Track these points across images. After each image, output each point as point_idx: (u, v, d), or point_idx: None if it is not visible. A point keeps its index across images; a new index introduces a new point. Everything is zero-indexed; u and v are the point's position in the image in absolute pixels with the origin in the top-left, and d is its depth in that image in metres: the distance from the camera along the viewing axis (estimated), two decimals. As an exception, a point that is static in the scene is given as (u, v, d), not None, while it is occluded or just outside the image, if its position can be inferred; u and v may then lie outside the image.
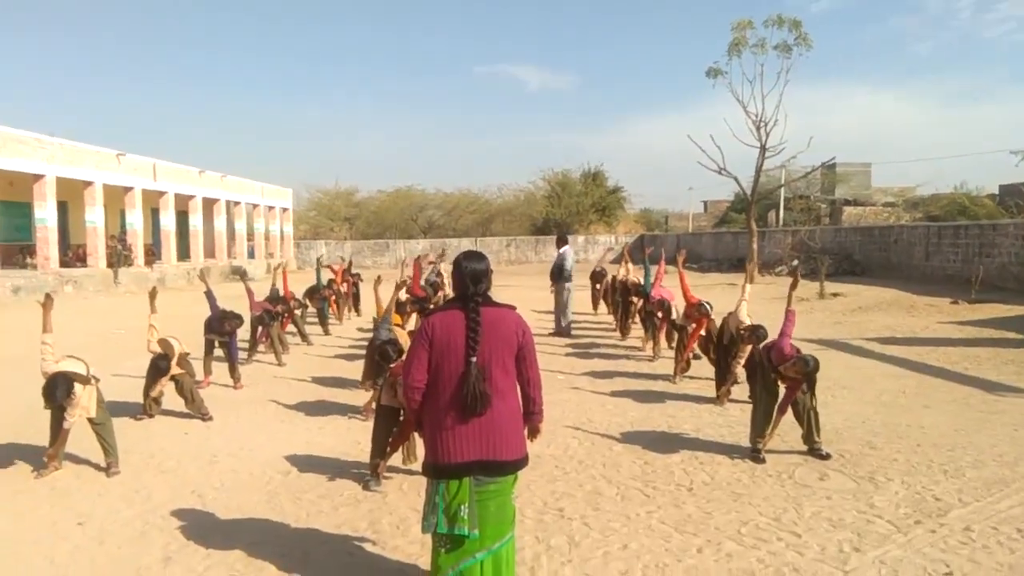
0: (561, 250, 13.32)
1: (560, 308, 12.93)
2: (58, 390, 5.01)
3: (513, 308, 3.30)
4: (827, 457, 5.54)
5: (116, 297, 21.24)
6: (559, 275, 13.02)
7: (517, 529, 3.60)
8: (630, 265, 13.00)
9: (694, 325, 8.33)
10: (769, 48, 23.11)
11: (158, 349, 6.75)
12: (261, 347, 10.30)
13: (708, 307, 8.22)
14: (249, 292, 10.04)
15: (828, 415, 6.61)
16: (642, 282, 11.52)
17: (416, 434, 5.10)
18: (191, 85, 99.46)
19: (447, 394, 3.09)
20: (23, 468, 5.54)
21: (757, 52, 23.27)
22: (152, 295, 7.17)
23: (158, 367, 6.71)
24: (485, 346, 3.09)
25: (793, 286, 6.29)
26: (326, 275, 14.47)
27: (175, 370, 6.81)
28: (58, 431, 5.33)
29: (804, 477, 5.17)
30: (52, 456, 5.39)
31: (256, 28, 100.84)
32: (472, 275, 3.19)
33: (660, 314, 9.62)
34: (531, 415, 3.33)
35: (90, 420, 5.43)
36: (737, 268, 28.05)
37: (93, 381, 5.49)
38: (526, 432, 3.33)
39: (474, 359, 3.06)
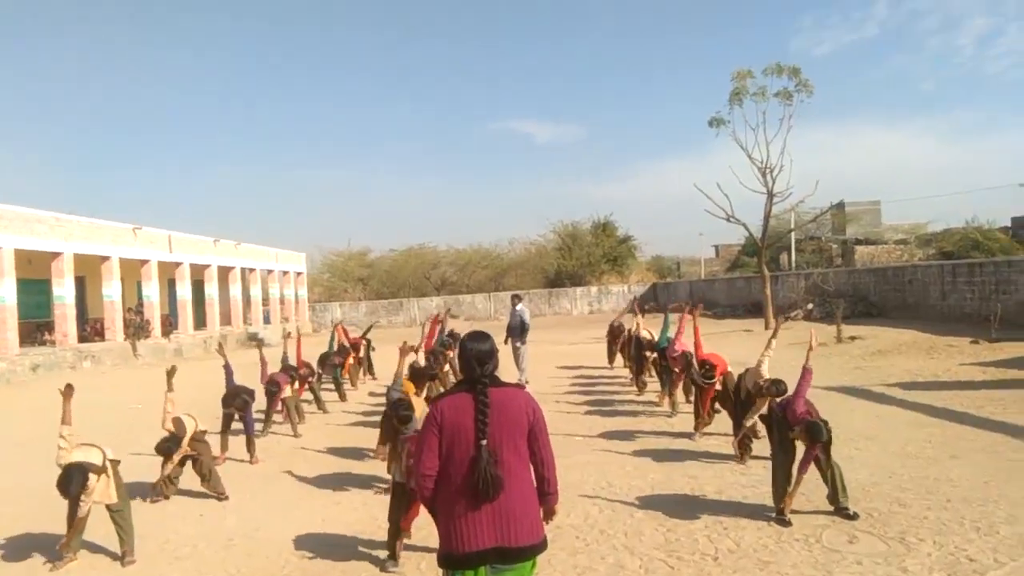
0: (517, 307, 13.78)
1: (519, 364, 13.50)
2: (72, 484, 4.98)
3: (522, 387, 3.28)
4: (855, 517, 5.39)
5: (135, 369, 21.35)
6: (520, 332, 13.47)
7: (538, 612, 3.50)
8: (640, 318, 12.97)
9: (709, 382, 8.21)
10: (770, 96, 23.38)
11: (171, 428, 6.74)
12: (278, 418, 10.27)
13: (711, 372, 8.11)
14: (263, 363, 10.04)
15: (853, 469, 6.47)
16: (655, 336, 11.48)
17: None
18: (204, 156, 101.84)
19: (459, 480, 3.04)
20: (38, 559, 5.49)
21: (758, 100, 23.54)
22: (170, 374, 7.10)
23: (168, 450, 6.69)
24: (495, 428, 3.06)
25: (811, 344, 6.23)
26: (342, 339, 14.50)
27: (184, 450, 6.79)
28: (74, 519, 5.30)
29: (832, 540, 5.03)
30: (66, 546, 5.34)
31: (264, 95, 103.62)
32: (478, 356, 3.17)
33: (678, 369, 9.52)
34: (546, 496, 3.26)
35: (108, 507, 5.39)
36: (752, 313, 27.92)
37: (111, 466, 5.47)
38: (542, 514, 3.27)
39: (484, 442, 3.02)
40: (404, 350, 7.01)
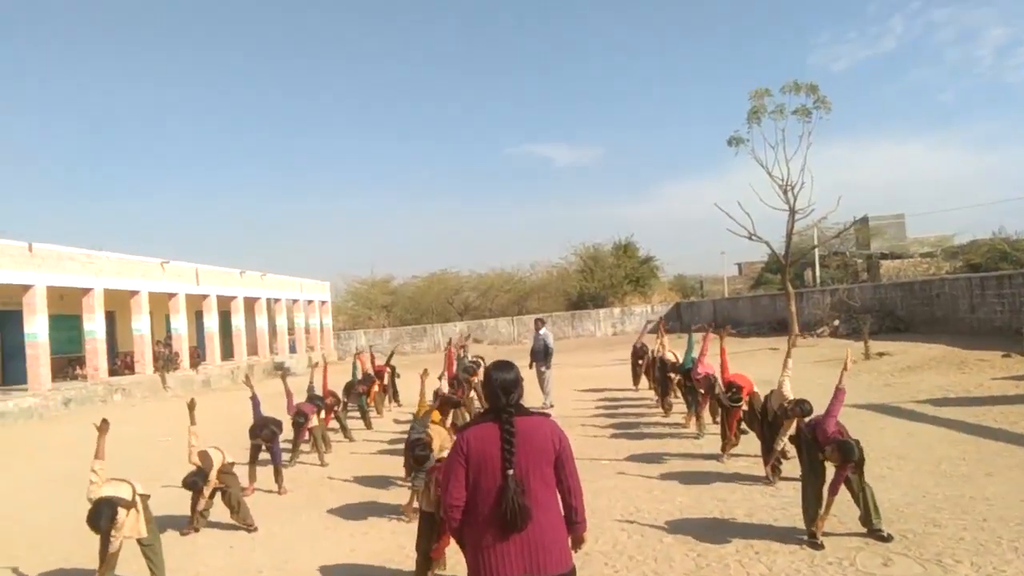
0: (541, 331, 13.92)
1: (544, 388, 13.70)
2: (102, 518, 5.05)
3: (548, 415, 3.29)
4: (889, 539, 5.30)
5: (164, 402, 21.59)
6: (544, 356, 13.59)
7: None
8: (665, 339, 12.92)
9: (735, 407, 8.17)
10: (788, 113, 23.36)
11: (197, 462, 6.81)
12: (305, 447, 10.33)
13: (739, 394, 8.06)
14: (288, 394, 10.11)
15: (887, 489, 6.39)
16: (680, 357, 11.43)
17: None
18: (228, 189, 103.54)
19: (486, 510, 3.05)
20: (73, 594, 5.56)
21: (776, 118, 23.54)
22: (191, 406, 7.19)
23: (194, 484, 6.75)
24: (521, 458, 3.07)
25: (846, 365, 6.18)
26: (365, 367, 14.59)
27: (213, 483, 6.85)
28: (105, 554, 5.36)
29: (867, 564, 4.94)
30: None
31: (285, 127, 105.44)
32: (503, 385, 3.19)
33: (703, 391, 9.46)
34: (574, 524, 3.26)
35: (139, 541, 5.45)
36: (777, 331, 27.64)
37: (140, 501, 5.54)
38: (570, 542, 3.26)
39: (511, 472, 3.03)
40: (424, 382, 7.16)
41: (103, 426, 5.49)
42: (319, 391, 11.21)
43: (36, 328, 19.78)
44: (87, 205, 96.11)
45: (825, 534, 5.42)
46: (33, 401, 18.65)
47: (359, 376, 13.70)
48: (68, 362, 23.64)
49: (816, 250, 35.18)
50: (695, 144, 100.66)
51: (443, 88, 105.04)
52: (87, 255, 22.16)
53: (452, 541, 4.86)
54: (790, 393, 6.97)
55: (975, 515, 5.73)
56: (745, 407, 8.07)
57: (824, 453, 5.44)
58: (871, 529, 5.43)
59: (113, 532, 5.21)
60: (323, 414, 10.79)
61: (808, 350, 20.05)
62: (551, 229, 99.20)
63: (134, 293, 24.29)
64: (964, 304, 20.67)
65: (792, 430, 6.65)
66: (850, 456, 5.23)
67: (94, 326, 22.11)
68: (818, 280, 37.89)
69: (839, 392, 5.76)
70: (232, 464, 7.20)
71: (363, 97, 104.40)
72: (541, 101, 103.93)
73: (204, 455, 6.87)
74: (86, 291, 21.96)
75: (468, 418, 9.90)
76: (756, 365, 15.44)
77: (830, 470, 5.54)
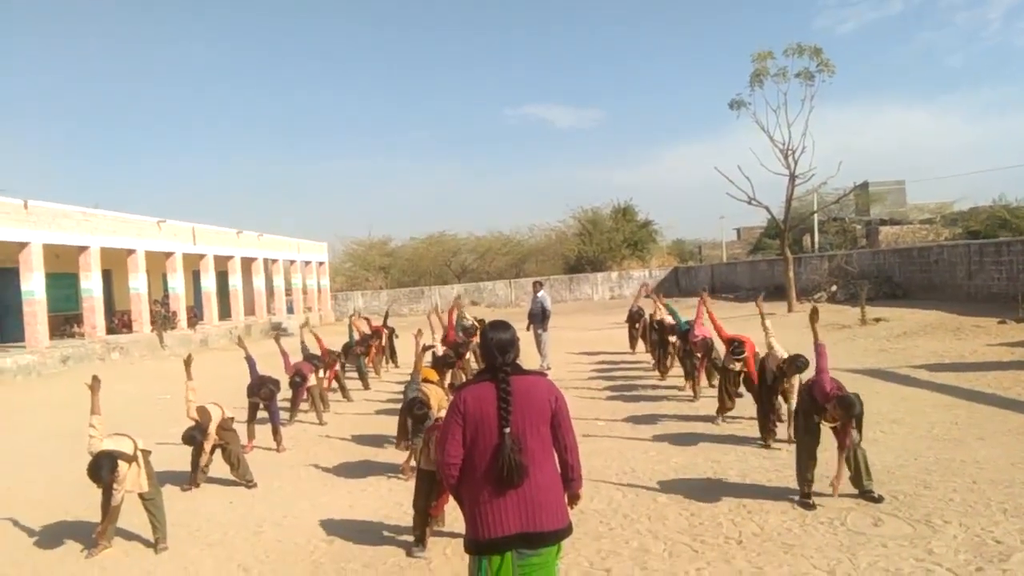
0: (539, 294, 13.93)
1: (541, 350, 13.74)
2: (103, 470, 5.11)
3: (544, 375, 3.30)
4: (880, 500, 5.37)
5: (162, 361, 21.64)
6: (541, 318, 13.64)
7: (563, 596, 3.54)
8: (661, 302, 12.97)
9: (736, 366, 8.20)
10: (791, 76, 23.05)
11: (196, 417, 6.86)
12: (304, 406, 10.39)
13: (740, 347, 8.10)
14: (283, 354, 10.14)
15: (879, 452, 6.45)
16: (674, 320, 11.47)
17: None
18: (225, 149, 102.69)
19: (483, 467, 3.08)
20: (73, 547, 5.63)
21: (779, 81, 23.22)
22: (187, 362, 7.16)
23: (193, 438, 6.81)
24: (518, 416, 3.09)
25: (813, 318, 6.14)
26: (360, 329, 14.62)
27: (213, 439, 6.90)
28: (108, 508, 5.43)
29: (857, 523, 5.02)
30: (102, 534, 5.48)
31: (284, 88, 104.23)
32: (499, 345, 3.20)
33: (700, 354, 9.51)
34: (570, 481, 3.30)
35: (140, 495, 5.52)
36: (775, 296, 27.68)
37: (142, 456, 5.59)
38: (566, 499, 3.30)
39: (507, 430, 3.05)
40: (419, 344, 7.26)
41: (94, 383, 5.54)
42: (313, 350, 11.27)
43: (33, 286, 19.73)
44: (84, 164, 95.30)
45: (817, 494, 5.49)
46: (31, 358, 18.69)
47: (355, 338, 13.75)
48: (65, 320, 23.63)
49: (815, 215, 35.09)
50: (696, 107, 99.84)
51: (444, 48, 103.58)
52: (83, 213, 22.01)
53: (451, 498, 4.93)
54: (782, 352, 7.03)
55: (965, 478, 5.80)
56: (747, 368, 8.10)
57: (823, 413, 5.44)
58: (862, 490, 5.50)
59: (115, 486, 5.27)
60: (322, 373, 10.85)
61: (804, 316, 20.09)
62: (550, 192, 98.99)
63: (131, 252, 24.20)
64: (962, 271, 20.69)
65: (797, 387, 6.70)
66: (852, 410, 5.22)
67: (91, 284, 22.06)
68: (816, 246, 37.89)
69: (820, 347, 5.75)
70: (231, 420, 7.24)
71: (362, 58, 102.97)
72: (541, 62, 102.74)
73: (203, 410, 6.92)
74: (82, 249, 21.86)
75: (465, 379, 9.96)
76: (754, 329, 15.43)
77: (825, 432, 5.58)
